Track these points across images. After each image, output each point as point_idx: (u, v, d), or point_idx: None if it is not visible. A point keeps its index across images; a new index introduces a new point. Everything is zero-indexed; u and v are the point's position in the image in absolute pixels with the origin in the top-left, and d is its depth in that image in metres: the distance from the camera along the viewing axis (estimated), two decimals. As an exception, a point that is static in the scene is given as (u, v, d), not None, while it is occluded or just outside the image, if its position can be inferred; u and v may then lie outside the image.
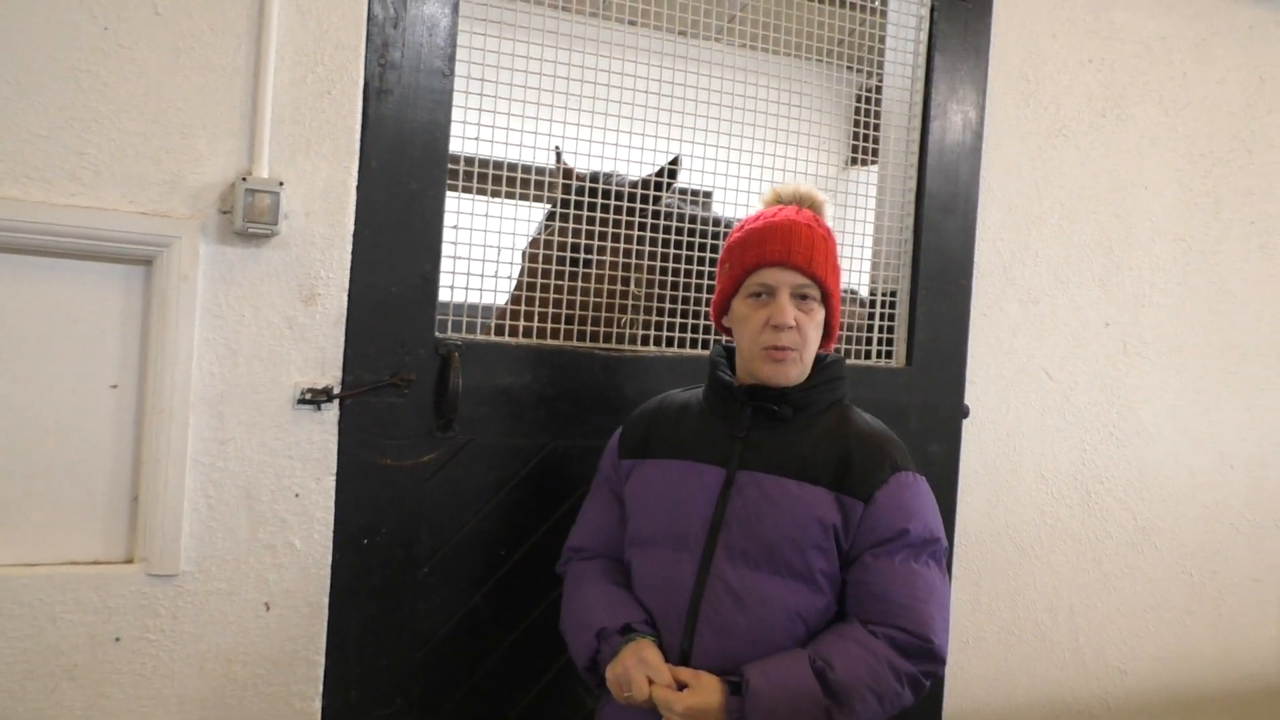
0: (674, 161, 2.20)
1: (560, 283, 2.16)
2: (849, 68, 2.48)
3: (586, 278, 2.18)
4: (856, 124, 2.51)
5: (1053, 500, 2.74)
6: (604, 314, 2.19)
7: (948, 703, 2.60)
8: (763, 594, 1.64)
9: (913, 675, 1.60)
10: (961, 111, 2.48)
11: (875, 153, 2.53)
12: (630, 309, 2.20)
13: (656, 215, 2.23)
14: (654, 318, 2.24)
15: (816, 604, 1.66)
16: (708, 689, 1.57)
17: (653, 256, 2.23)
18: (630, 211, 2.19)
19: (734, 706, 1.55)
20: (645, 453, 1.81)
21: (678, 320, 2.26)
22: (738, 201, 2.28)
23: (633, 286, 2.20)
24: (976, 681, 2.68)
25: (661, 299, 2.26)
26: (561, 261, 2.17)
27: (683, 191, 2.35)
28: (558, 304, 2.15)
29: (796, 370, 1.71)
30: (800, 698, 1.54)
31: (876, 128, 2.51)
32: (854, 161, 2.56)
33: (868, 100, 2.51)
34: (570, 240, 2.17)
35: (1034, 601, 2.74)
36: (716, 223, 2.30)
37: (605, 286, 2.19)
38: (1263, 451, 3.05)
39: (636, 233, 2.21)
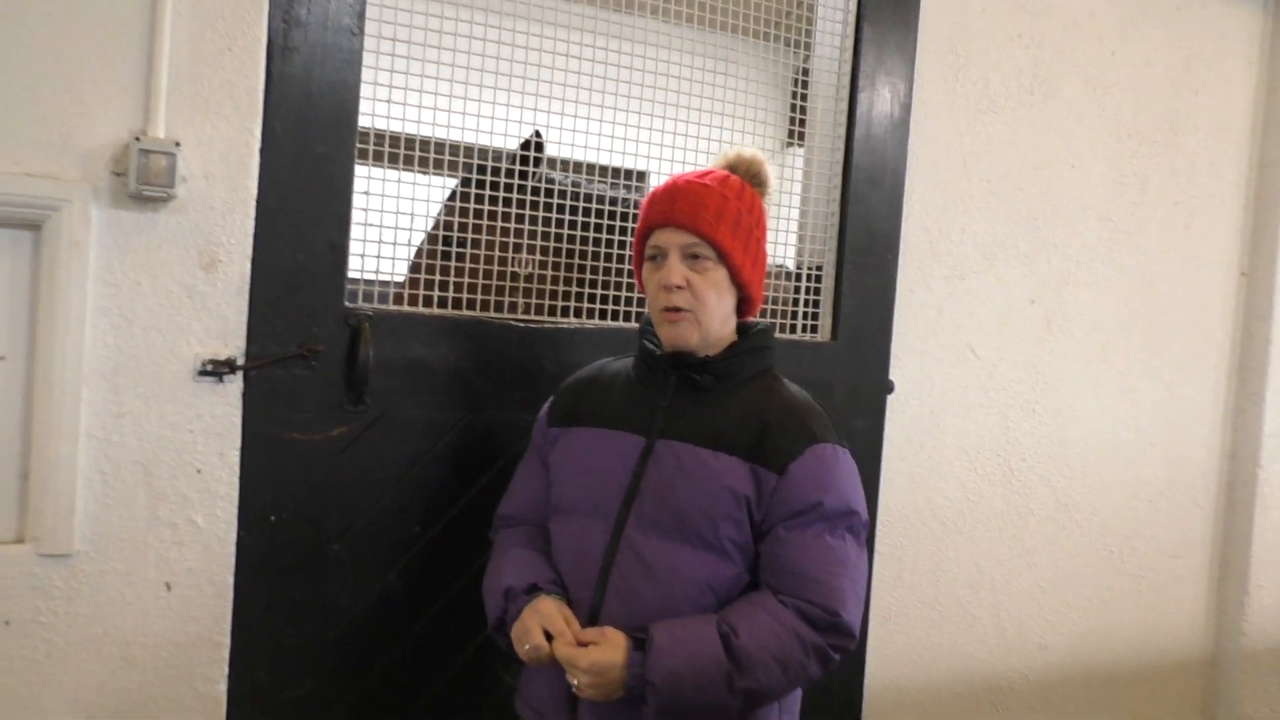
0: (535, 135, 2.12)
1: (445, 263, 2.09)
2: (788, 44, 2.44)
3: (462, 259, 2.10)
4: (792, 107, 2.46)
5: (975, 476, 2.75)
6: (493, 296, 2.12)
7: (870, 678, 2.61)
8: (672, 563, 1.62)
9: (820, 647, 1.59)
10: (890, 84, 2.45)
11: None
12: (520, 291, 2.13)
13: (531, 193, 2.13)
14: (548, 300, 2.18)
15: (727, 574, 1.64)
16: (612, 645, 1.56)
17: (546, 236, 2.15)
18: (504, 190, 2.10)
19: (635, 663, 1.54)
20: (572, 421, 1.79)
21: (599, 292, 2.21)
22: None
23: (522, 268, 2.13)
24: (898, 657, 2.69)
25: (568, 277, 2.20)
26: (434, 242, 2.10)
27: (588, 168, 2.28)
28: (444, 286, 2.07)
29: (696, 333, 1.68)
30: (702, 659, 1.53)
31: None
32: (789, 144, 2.53)
33: (805, 79, 2.46)
34: (443, 220, 2.11)
35: (956, 577, 2.76)
36: (625, 203, 2.25)
37: (485, 267, 2.11)
38: (1181, 430, 3.09)
39: (515, 212, 2.12)
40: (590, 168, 2.25)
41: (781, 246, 2.45)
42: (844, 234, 2.44)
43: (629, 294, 2.24)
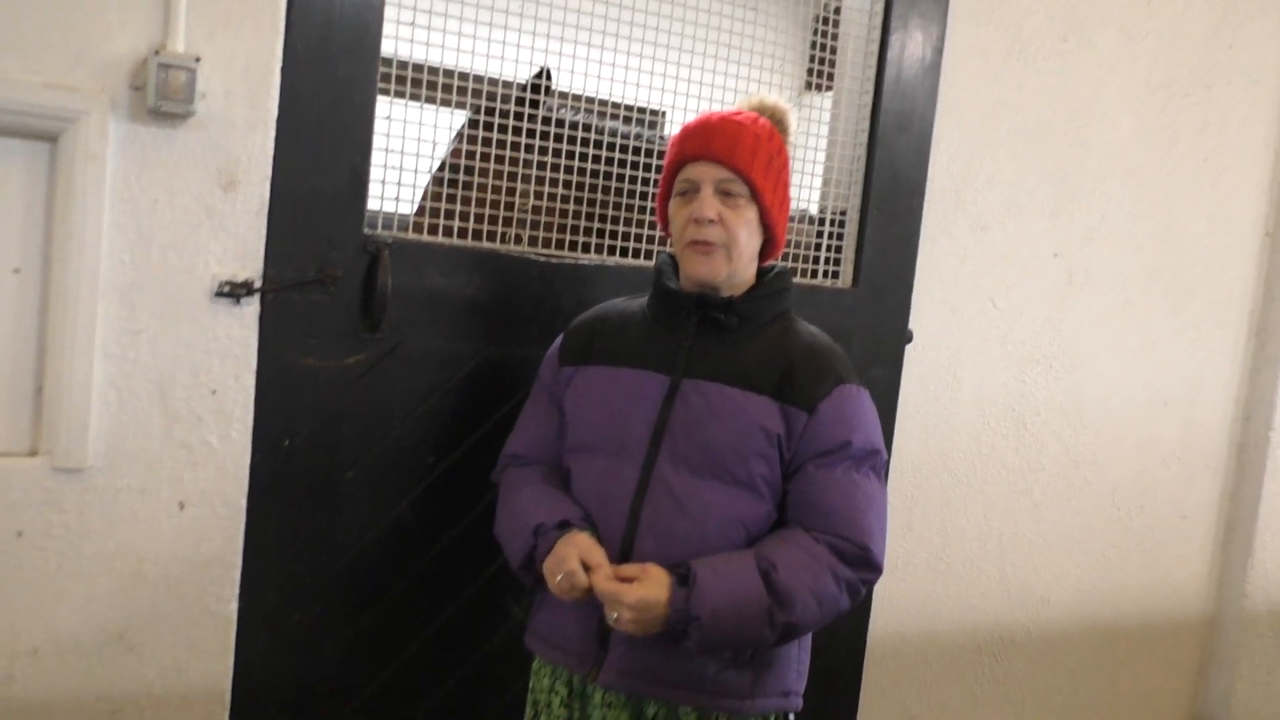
0: (541, 75, 2.09)
1: (452, 193, 2.06)
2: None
3: (467, 196, 2.06)
4: (814, 48, 2.41)
5: (989, 429, 2.74)
6: (498, 228, 2.09)
7: (874, 626, 2.62)
8: (704, 500, 1.64)
9: (851, 582, 1.62)
10: (922, 26, 2.40)
11: (832, 78, 2.44)
12: (516, 223, 2.09)
13: (537, 129, 2.08)
14: (542, 233, 2.14)
15: (758, 511, 1.66)
16: (656, 581, 1.56)
17: (544, 169, 2.10)
18: (510, 129, 2.06)
19: (679, 599, 1.55)
20: (587, 359, 1.77)
21: (606, 228, 2.19)
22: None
23: (518, 199, 2.09)
24: (904, 606, 2.70)
25: (567, 209, 2.16)
26: (439, 182, 2.07)
27: (602, 104, 2.24)
28: (449, 217, 2.04)
29: (725, 268, 1.68)
30: (745, 594, 1.55)
31: (834, 51, 2.41)
32: (810, 86, 2.48)
33: (826, 23, 2.40)
34: (449, 155, 2.08)
35: (964, 529, 2.76)
36: (639, 139, 2.22)
37: (486, 196, 2.07)
38: (1198, 390, 3.07)
39: (513, 142, 2.08)
40: (605, 104, 2.21)
41: (806, 190, 2.42)
42: (869, 180, 2.40)
43: (639, 230, 2.21)
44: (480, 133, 2.07)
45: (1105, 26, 2.72)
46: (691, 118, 1.76)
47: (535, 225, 2.13)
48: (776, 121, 1.75)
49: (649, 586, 1.55)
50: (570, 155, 2.13)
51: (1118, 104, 2.77)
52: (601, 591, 1.57)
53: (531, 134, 2.08)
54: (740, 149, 1.64)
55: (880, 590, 2.63)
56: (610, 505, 1.68)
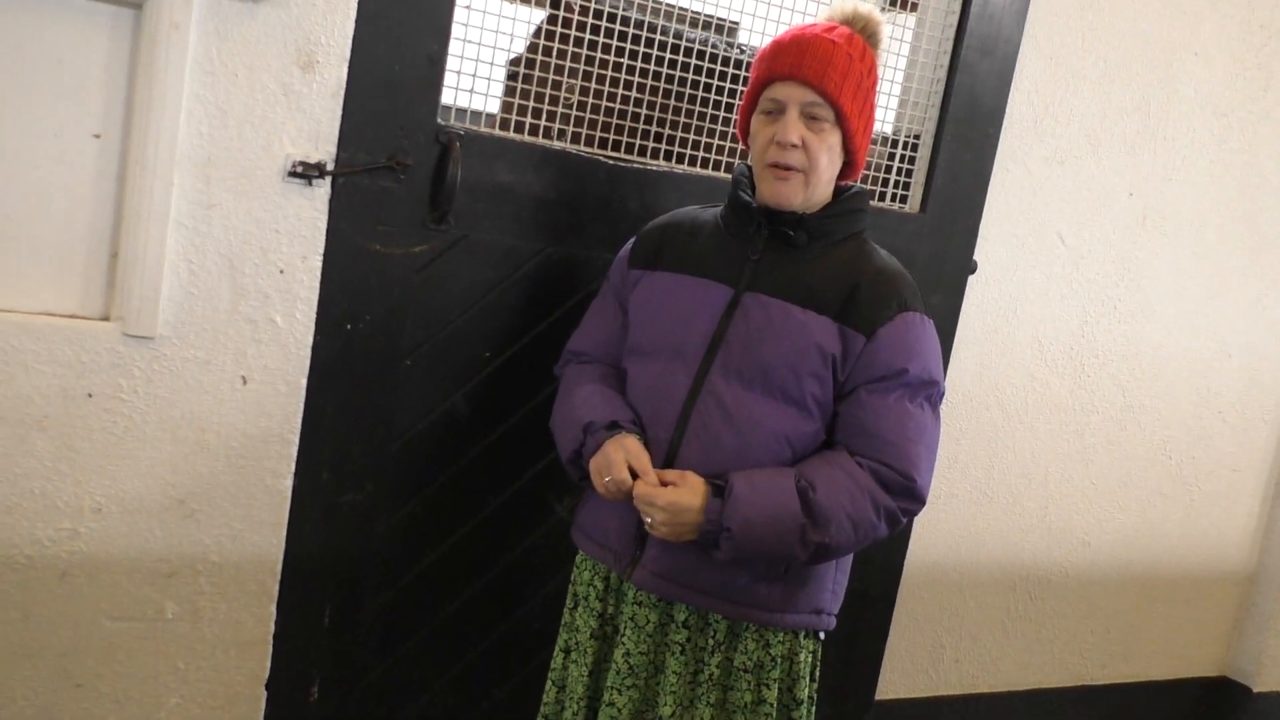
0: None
1: (523, 98, 2.03)
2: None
3: (532, 91, 2.03)
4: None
5: (1045, 367, 2.71)
6: (555, 124, 2.06)
7: (911, 553, 2.64)
8: (754, 413, 1.64)
9: (891, 510, 1.62)
10: (1017, -55, 2.32)
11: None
12: (560, 117, 2.06)
13: (602, 27, 2.05)
14: (610, 133, 2.11)
15: (806, 429, 1.66)
16: (692, 488, 1.58)
17: (592, 63, 2.05)
18: (575, 23, 2.03)
19: (714, 509, 1.57)
20: (655, 264, 1.78)
21: (690, 137, 2.16)
22: (764, 33, 2.16)
23: (563, 92, 2.06)
24: (943, 537, 2.71)
25: (614, 108, 2.11)
26: (513, 77, 2.06)
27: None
28: (515, 109, 2.02)
29: (801, 194, 1.66)
30: (780, 511, 1.56)
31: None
32: (895, 3, 2.42)
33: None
34: (524, 54, 2.06)
35: (1010, 465, 2.75)
36: (723, 48, 2.17)
37: (538, 89, 2.03)
38: (1264, 343, 3.01)
39: (575, 38, 2.05)
40: (684, 13, 2.16)
41: (881, 110, 2.36)
42: (947, 104, 2.35)
43: (709, 140, 2.19)
44: (557, 29, 2.04)
45: (1207, -41, 2.61)
46: (775, 30, 1.71)
47: (580, 122, 2.10)
48: (869, 35, 1.69)
49: (683, 492, 1.58)
50: (639, 57, 2.09)
51: (1213, 41, 2.67)
52: (638, 494, 1.59)
53: (601, 31, 2.04)
54: (833, 71, 1.60)
55: (920, 519, 2.64)
56: (660, 409, 1.69)
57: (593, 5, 2.03)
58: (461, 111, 1.97)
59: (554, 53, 2.04)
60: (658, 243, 1.80)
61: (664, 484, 1.60)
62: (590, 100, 2.09)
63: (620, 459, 1.62)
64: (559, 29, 2.04)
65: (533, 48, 2.08)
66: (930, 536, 2.68)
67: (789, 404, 1.65)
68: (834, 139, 1.65)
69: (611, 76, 2.08)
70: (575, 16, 2.02)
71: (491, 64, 1.97)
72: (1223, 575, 3.21)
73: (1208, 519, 3.10)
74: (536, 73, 2.05)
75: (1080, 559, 2.94)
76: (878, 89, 1.72)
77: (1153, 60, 2.60)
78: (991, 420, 2.68)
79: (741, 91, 2.17)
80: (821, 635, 1.78)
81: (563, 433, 1.76)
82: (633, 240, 1.86)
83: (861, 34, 1.68)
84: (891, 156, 2.38)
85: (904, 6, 2.41)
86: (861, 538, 1.62)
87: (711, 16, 2.24)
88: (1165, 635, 3.17)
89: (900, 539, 2.59)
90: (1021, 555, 2.85)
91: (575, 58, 2.05)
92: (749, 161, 1.77)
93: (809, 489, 1.57)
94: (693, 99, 2.17)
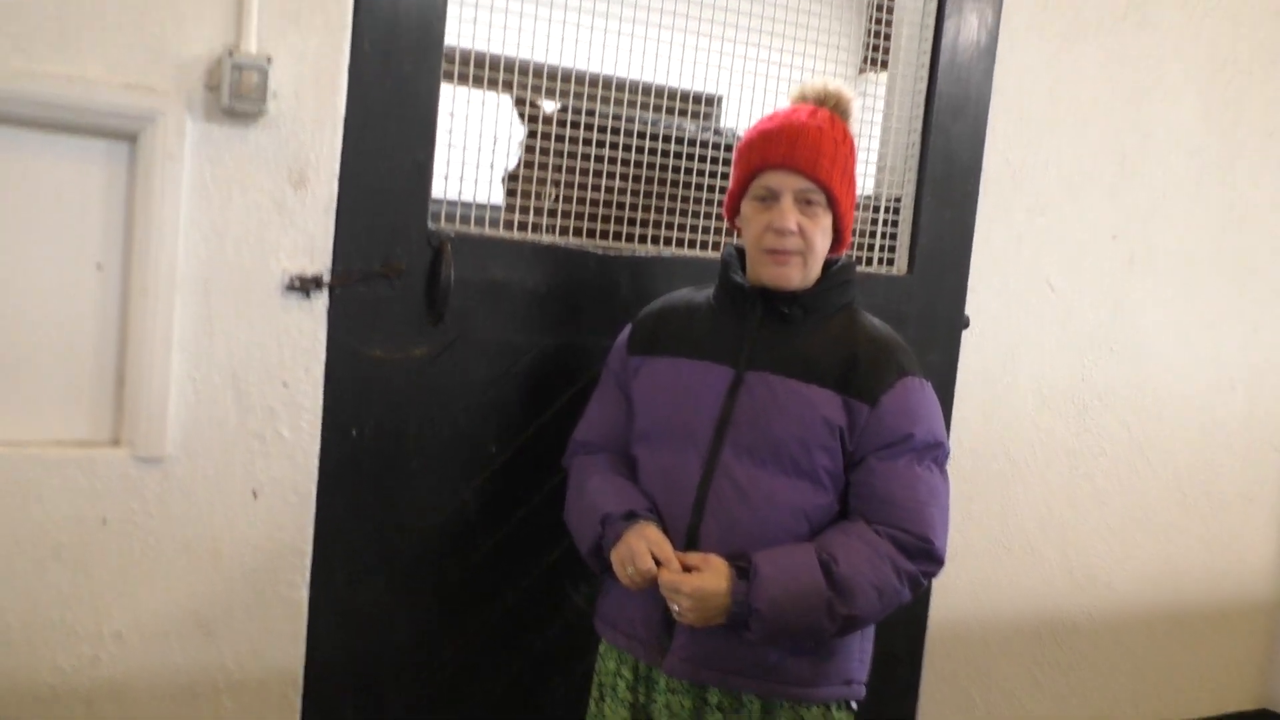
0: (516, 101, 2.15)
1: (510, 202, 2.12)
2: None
3: (523, 203, 2.11)
4: (869, 33, 2.41)
5: (1049, 414, 2.72)
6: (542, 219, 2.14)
7: (934, 612, 2.62)
8: (768, 490, 1.65)
9: (912, 574, 1.64)
10: (977, 10, 2.39)
11: (888, 60, 2.44)
12: (546, 213, 2.13)
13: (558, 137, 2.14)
14: (608, 224, 2.18)
15: (820, 502, 1.68)
16: (716, 572, 1.59)
17: (572, 171, 2.14)
18: (555, 137, 2.12)
19: (739, 591, 1.57)
20: (654, 350, 1.80)
21: (675, 220, 2.21)
22: (752, 104, 2.22)
23: (547, 199, 2.13)
24: (964, 591, 2.70)
25: (633, 204, 2.20)
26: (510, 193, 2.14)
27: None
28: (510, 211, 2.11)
29: (799, 275, 1.69)
30: (805, 587, 1.56)
31: (889, 37, 2.42)
32: (866, 68, 2.48)
33: (881, 9, 2.41)
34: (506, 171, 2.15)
35: (1025, 514, 2.75)
36: (719, 132, 2.25)
37: (522, 202, 2.11)
38: (1263, 372, 3.03)
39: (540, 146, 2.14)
40: (658, 94, 2.23)
41: (861, 178, 2.41)
42: (924, 165, 2.40)
43: (695, 222, 2.24)
44: (537, 141, 2.13)
45: (1165, 4, 2.68)
46: (758, 109, 1.76)
47: (567, 215, 2.16)
48: (843, 111, 1.74)
49: (708, 577, 1.58)
50: (619, 148, 2.16)
51: (1180, 82, 2.73)
52: (664, 582, 1.60)
53: (581, 128, 2.12)
54: (823, 158, 1.65)
55: (940, 575, 2.62)
56: (675, 494, 1.70)
57: (569, 116, 2.11)
58: (453, 203, 2.01)
59: (535, 164, 2.11)
60: (654, 328, 1.83)
61: (687, 568, 1.61)
62: (575, 193, 2.14)
63: (642, 548, 1.63)
64: (539, 142, 2.12)
65: (524, 162, 2.15)
66: (951, 592, 2.67)
67: (802, 478, 1.66)
68: (827, 221, 1.69)
69: (594, 169, 2.13)
70: (554, 129, 2.09)
71: (478, 165, 2.02)
72: (1250, 605, 3.18)
73: (1228, 550, 3.09)
74: (522, 184, 2.13)
75: (1104, 601, 2.92)
76: (855, 161, 1.77)
77: (1122, 105, 2.66)
78: (1001, 471, 2.69)
79: (723, 174, 2.23)
80: (854, 705, 1.77)
81: (580, 526, 1.77)
82: (629, 327, 1.89)
83: (835, 110, 1.74)
84: (875, 220, 2.42)
85: (876, 66, 2.47)
86: (887, 605, 1.62)
87: (690, 92, 2.30)
88: (1199, 671, 3.13)
89: (921, 598, 2.58)
90: (1044, 603, 2.83)
91: (556, 166, 2.12)
92: (737, 243, 1.81)
93: (831, 562, 1.58)
94: (674, 183, 2.22)
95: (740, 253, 1.80)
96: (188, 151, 1.73)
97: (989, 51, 2.42)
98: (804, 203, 1.67)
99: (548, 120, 2.13)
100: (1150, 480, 2.91)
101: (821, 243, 1.70)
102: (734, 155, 1.77)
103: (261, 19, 1.75)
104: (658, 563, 1.62)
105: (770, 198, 1.68)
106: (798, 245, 1.67)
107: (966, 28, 2.38)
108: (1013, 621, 2.79)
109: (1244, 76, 2.82)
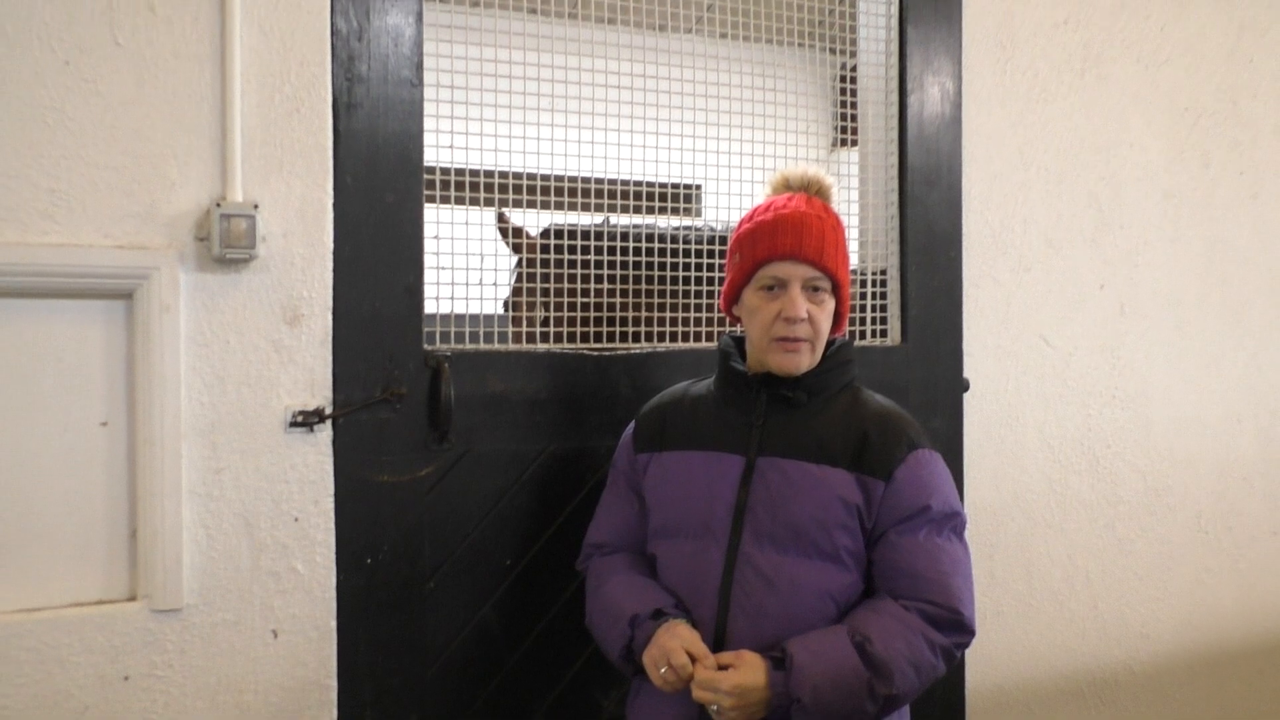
0: (498, 217, 2.23)
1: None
2: (829, 50, 2.46)
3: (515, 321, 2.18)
4: (840, 105, 2.49)
5: (1060, 468, 2.72)
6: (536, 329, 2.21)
7: (970, 681, 2.58)
8: (792, 575, 1.66)
9: (946, 647, 1.63)
10: (938, 83, 2.45)
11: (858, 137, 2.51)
12: (540, 335, 2.20)
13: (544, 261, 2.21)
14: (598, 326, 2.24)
15: (845, 582, 1.68)
16: (752, 667, 1.57)
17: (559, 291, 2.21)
18: (543, 261, 2.19)
19: (778, 682, 1.56)
20: (662, 445, 1.82)
21: (667, 315, 2.25)
22: (731, 192, 2.28)
23: (538, 313, 2.19)
24: (998, 657, 2.65)
25: (625, 304, 2.25)
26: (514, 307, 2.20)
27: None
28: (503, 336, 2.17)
29: (808, 360, 1.73)
30: (843, 671, 1.55)
31: (854, 117, 2.49)
32: (840, 143, 2.54)
33: (848, 80, 2.48)
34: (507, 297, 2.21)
35: (1049, 571, 2.72)
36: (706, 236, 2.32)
37: (514, 314, 2.19)
38: (1270, 401, 3.02)
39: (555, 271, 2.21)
40: (641, 187, 2.28)
41: (844, 253, 2.45)
42: (905, 236, 2.44)
43: (687, 315, 2.27)
44: (523, 269, 2.21)
45: (1122, 58, 2.75)
46: (736, 195, 1.79)
47: (560, 322, 2.21)
48: (824, 194, 1.80)
49: (745, 672, 1.56)
50: (610, 251, 2.22)
51: (1145, 131, 2.79)
52: (700, 681, 1.57)
53: (570, 247, 2.19)
54: (826, 246, 1.70)
55: (972, 644, 2.59)
56: (699, 588, 1.69)
57: (551, 239, 2.18)
58: (445, 317, 2.04)
59: (524, 288, 2.17)
60: (659, 424, 1.84)
61: (721, 667, 1.59)
62: (566, 300, 2.18)
63: (677, 647, 1.61)
64: (524, 268, 2.19)
65: (516, 290, 2.22)
66: (985, 660, 2.63)
67: (824, 560, 1.67)
68: (831, 305, 1.74)
69: (581, 274, 2.17)
70: (538, 255, 2.16)
71: (467, 284, 2.06)
72: (1290, 641, 3.13)
73: (1259, 587, 3.05)
74: (513, 308, 2.18)
75: (1142, 652, 2.87)
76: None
77: (1091, 159, 2.71)
78: (1020, 530, 2.67)
79: (709, 265, 2.26)
80: None
81: (606, 630, 1.75)
82: (632, 425, 1.90)
83: (819, 195, 1.79)
84: (864, 294, 2.45)
85: (849, 143, 2.53)
86: (924, 680, 1.61)
87: (670, 185, 2.35)
88: (1246, 712, 3.06)
89: (956, 669, 2.54)
90: (1081, 660, 2.78)
91: (545, 276, 2.18)
92: (735, 332, 1.84)
93: (866, 642, 1.58)
94: (662, 279, 2.25)
95: (738, 342, 1.83)
96: (183, 302, 1.77)
97: (955, 120, 2.48)
98: (811, 290, 1.71)
99: (531, 248, 2.19)
100: (1171, 523, 2.89)
101: (826, 327, 1.74)
102: (732, 245, 1.79)
103: (246, 168, 1.81)
104: (692, 659, 1.60)
105: (778, 286, 1.71)
106: (807, 333, 1.70)
107: (930, 100, 2.45)
108: (1052, 682, 2.74)
109: (1208, 119, 2.88)
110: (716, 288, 2.29)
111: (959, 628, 1.64)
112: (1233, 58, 2.92)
